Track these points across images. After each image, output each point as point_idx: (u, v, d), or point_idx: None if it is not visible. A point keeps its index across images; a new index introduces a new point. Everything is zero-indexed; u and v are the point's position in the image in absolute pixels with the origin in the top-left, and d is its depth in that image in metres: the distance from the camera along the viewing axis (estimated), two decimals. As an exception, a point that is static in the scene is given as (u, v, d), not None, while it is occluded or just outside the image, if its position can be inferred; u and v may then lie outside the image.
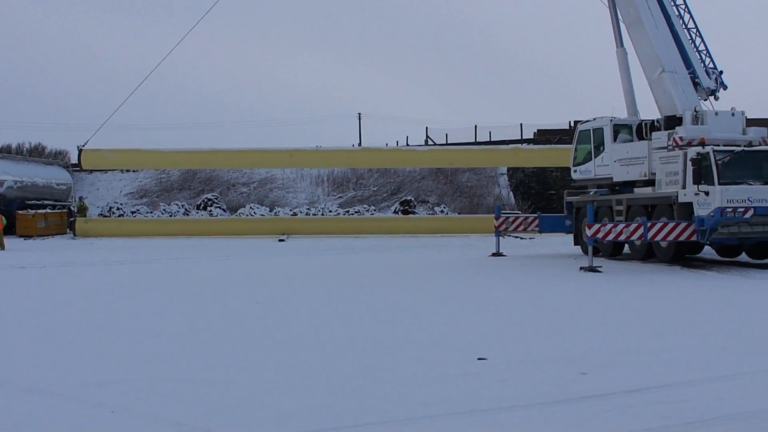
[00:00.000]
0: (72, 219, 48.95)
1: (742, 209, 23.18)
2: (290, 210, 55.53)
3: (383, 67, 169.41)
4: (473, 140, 60.72)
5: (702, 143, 24.42)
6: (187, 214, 55.51)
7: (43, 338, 13.70)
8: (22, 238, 46.39)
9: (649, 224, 24.21)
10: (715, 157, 23.59)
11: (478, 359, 11.39)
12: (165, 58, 42.94)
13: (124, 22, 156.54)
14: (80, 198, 52.66)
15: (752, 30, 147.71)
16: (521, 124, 59.71)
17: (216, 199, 57.35)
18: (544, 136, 57.57)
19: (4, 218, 39.32)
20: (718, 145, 24.32)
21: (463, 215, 50.54)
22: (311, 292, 20.16)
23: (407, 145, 63.25)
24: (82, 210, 49.70)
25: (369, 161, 52.13)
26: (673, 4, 28.08)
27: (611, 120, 28.72)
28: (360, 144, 67.88)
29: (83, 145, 48.19)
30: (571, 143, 32.89)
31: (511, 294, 19.53)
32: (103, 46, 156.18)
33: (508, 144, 57.61)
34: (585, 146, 29.89)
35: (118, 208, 56.61)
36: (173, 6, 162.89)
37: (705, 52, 27.88)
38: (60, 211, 50.59)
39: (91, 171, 60.13)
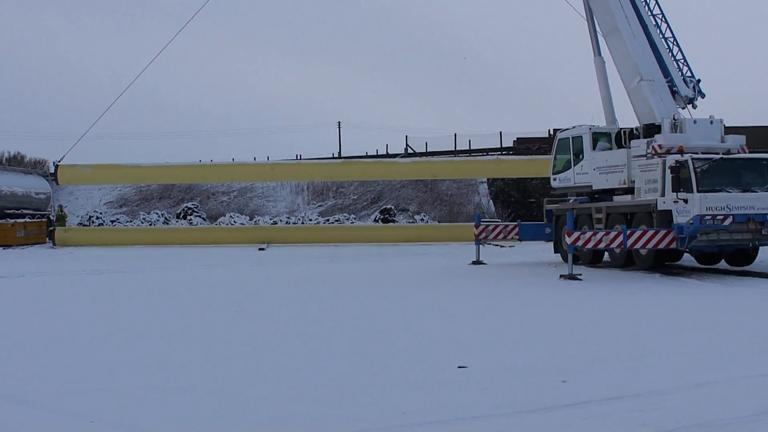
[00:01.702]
0: (51, 228, 48.71)
1: (721, 217, 23.26)
2: (270, 219, 55.50)
3: (362, 76, 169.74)
4: (453, 148, 60.85)
5: (681, 151, 24.52)
6: (167, 223, 55.39)
7: (21, 347, 13.61)
8: (1, 248, 46.15)
9: (628, 232, 24.28)
10: (693, 165, 23.68)
11: (458, 367, 11.39)
12: (144, 70, 42.80)
13: (102, 31, 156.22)
14: (59, 206, 52.17)
15: (730, 39, 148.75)
16: (500, 133, 59.91)
17: (196, 208, 57.25)
18: (523, 144, 57.73)
19: None
20: (697, 153, 24.42)
21: (443, 223, 50.60)
22: (291, 300, 20.11)
23: (387, 153, 63.33)
24: (61, 219, 49.30)
25: (351, 174, 51.93)
26: (650, 13, 28.25)
27: (590, 128, 28.80)
28: (340, 152, 67.91)
29: (59, 161, 47.96)
30: (550, 151, 32.96)
31: (491, 302, 19.54)
32: (81, 56, 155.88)
33: (487, 152, 57.85)
34: (564, 154, 29.95)
35: (97, 218, 56.41)
36: (151, 16, 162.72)
37: (682, 60, 28.05)
38: (39, 220, 50.33)
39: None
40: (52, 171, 50.07)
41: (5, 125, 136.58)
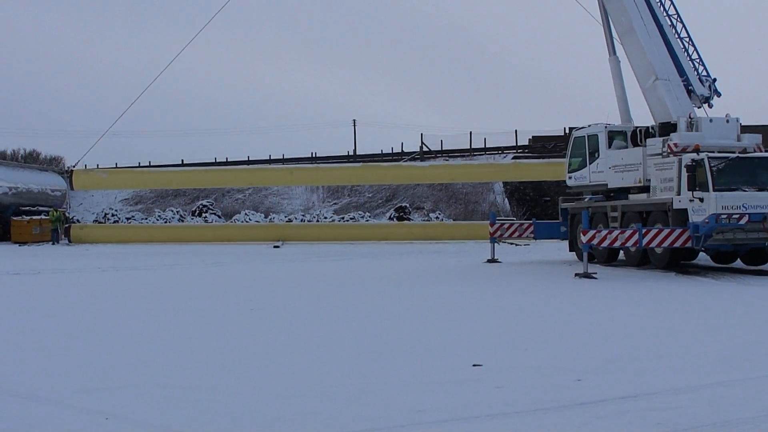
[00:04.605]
0: (67, 225, 48.82)
1: (737, 216, 23.18)
2: (285, 216, 55.55)
3: (377, 74, 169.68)
4: (468, 147, 60.75)
5: (696, 150, 24.46)
6: (182, 221, 55.53)
7: (37, 344, 13.66)
8: (17, 244, 46.38)
9: (644, 231, 24.21)
10: (709, 164, 23.60)
11: (473, 365, 11.38)
12: (164, 71, 42.77)
13: (112, 31, 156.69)
14: (54, 208, 50.65)
15: (746, 38, 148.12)
16: (516, 131, 59.86)
17: (211, 205, 57.38)
18: (539, 143, 57.63)
19: None
20: (713, 152, 24.35)
21: (458, 222, 50.58)
22: (305, 298, 20.14)
23: (402, 151, 63.28)
24: (56, 221, 47.85)
25: (369, 178, 51.95)
26: (665, 14, 28.17)
27: (606, 126, 28.75)
28: (355, 150, 67.92)
29: (73, 166, 47.96)
30: (565, 150, 32.92)
31: (506, 300, 19.52)
32: (92, 55, 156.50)
33: (503, 150, 57.80)
34: (580, 153, 29.88)
35: (113, 215, 56.59)
36: (161, 15, 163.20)
37: (698, 60, 27.96)
38: (58, 217, 50.46)
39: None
40: (68, 169, 49.99)
41: (21, 123, 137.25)
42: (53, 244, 46.63)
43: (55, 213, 48.00)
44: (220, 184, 55.06)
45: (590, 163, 29.16)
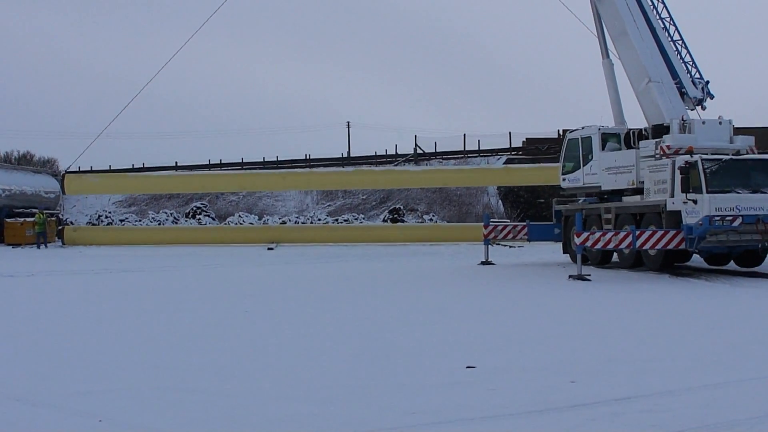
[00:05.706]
0: (60, 227, 48.70)
1: (731, 217, 23.20)
2: (279, 218, 55.51)
3: (372, 76, 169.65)
4: (462, 149, 60.80)
5: (690, 152, 24.48)
6: (176, 223, 55.46)
7: (31, 346, 13.64)
8: (11, 247, 46.29)
9: (637, 232, 24.25)
10: (703, 166, 23.62)
11: (467, 367, 11.39)
12: (158, 73, 42.53)
13: (111, 31, 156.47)
14: (40, 211, 49.52)
15: (739, 41, 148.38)
16: (510, 133, 59.83)
17: (205, 207, 57.33)
18: (533, 145, 57.69)
19: None
20: (706, 154, 24.39)
21: (452, 223, 50.61)
22: (299, 300, 20.13)
23: (396, 153, 63.29)
24: (42, 224, 46.96)
25: (362, 183, 52.13)
26: (658, 17, 28.23)
27: (599, 129, 28.77)
28: (349, 152, 67.91)
29: (67, 169, 47.83)
30: (559, 152, 32.95)
31: (499, 302, 19.53)
32: (90, 56, 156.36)
33: (497, 152, 57.87)
34: (573, 155, 29.91)
35: (106, 217, 56.50)
36: (162, 17, 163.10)
37: (691, 62, 28.00)
38: (48, 219, 50.33)
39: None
40: (61, 171, 49.93)
41: (14, 125, 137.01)
42: (38, 247, 45.88)
43: (41, 216, 47.25)
44: (212, 189, 55.18)
45: (584, 165, 29.18)
